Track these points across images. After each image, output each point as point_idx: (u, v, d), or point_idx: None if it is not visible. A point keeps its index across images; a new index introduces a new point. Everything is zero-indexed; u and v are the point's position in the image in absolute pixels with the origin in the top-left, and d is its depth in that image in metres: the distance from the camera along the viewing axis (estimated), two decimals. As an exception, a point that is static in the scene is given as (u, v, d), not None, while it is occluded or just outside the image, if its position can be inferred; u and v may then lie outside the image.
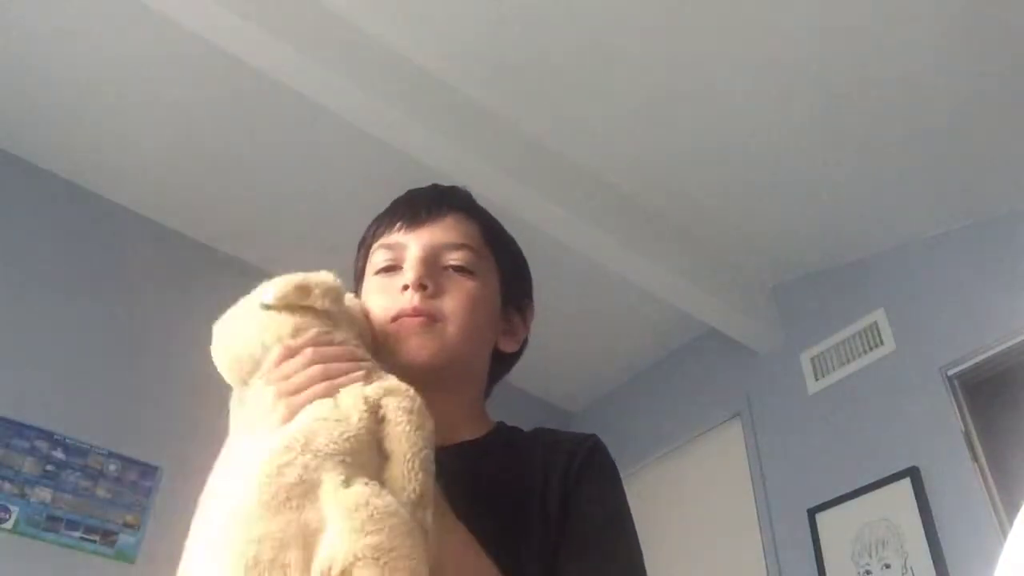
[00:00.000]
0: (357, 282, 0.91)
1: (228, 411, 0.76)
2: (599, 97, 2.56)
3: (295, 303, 0.72)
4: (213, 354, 0.75)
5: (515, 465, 0.81)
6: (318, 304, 0.73)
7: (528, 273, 0.96)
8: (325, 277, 0.75)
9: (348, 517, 0.52)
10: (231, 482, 0.62)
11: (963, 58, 2.23)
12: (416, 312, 0.79)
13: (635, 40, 2.37)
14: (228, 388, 0.76)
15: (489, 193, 2.47)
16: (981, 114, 2.35)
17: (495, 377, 0.91)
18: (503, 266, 0.90)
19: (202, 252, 3.12)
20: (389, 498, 0.55)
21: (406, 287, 0.81)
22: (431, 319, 0.79)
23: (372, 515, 0.53)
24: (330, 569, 0.50)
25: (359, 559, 0.50)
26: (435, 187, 0.92)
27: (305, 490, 0.55)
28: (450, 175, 2.39)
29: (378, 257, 0.86)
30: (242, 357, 0.72)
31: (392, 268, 0.84)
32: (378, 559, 0.51)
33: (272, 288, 0.72)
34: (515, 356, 0.93)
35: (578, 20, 2.33)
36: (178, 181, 2.94)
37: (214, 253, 3.14)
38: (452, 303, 0.81)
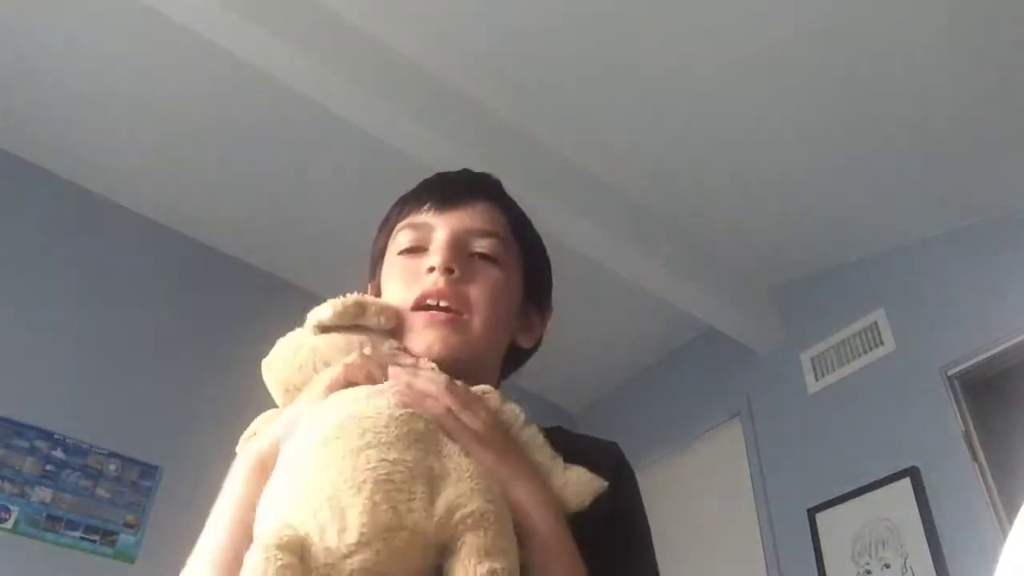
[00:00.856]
0: (375, 264, 0.89)
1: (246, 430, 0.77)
2: (599, 97, 2.56)
3: (351, 322, 0.74)
4: (265, 374, 0.77)
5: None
6: (373, 323, 0.75)
7: (550, 271, 0.94)
8: (379, 299, 0.79)
9: (473, 479, 0.60)
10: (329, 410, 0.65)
11: (962, 58, 2.22)
12: (441, 295, 0.77)
13: (636, 42, 2.37)
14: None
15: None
16: (980, 114, 2.35)
17: (506, 373, 0.90)
18: (528, 260, 0.88)
19: (202, 252, 3.12)
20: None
21: (432, 269, 0.79)
22: (457, 314, 0.78)
23: (489, 487, 0.60)
24: (458, 509, 0.57)
25: (483, 514, 0.57)
26: (467, 171, 0.90)
27: (430, 442, 0.62)
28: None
29: (403, 237, 0.83)
30: (295, 374, 0.75)
31: (417, 249, 0.82)
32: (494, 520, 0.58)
33: (328, 307, 0.74)
34: (529, 353, 0.91)
35: (580, 21, 2.33)
36: (177, 180, 2.94)
37: (214, 253, 3.14)
38: (477, 292, 0.79)
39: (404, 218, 0.85)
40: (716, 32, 2.30)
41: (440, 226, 0.82)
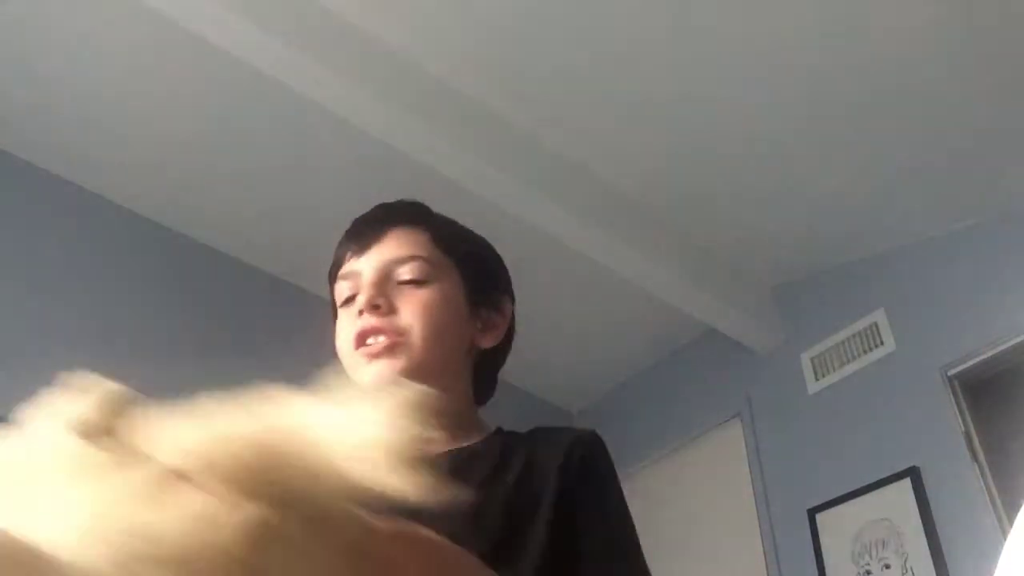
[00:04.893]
0: (335, 318, 0.92)
1: None
2: (600, 98, 2.56)
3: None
4: None
5: (509, 468, 0.78)
6: None
7: (495, 265, 0.95)
8: None
9: None
10: None
11: (962, 59, 2.23)
12: (375, 330, 0.81)
13: (637, 43, 2.36)
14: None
15: (490, 194, 2.49)
16: (981, 114, 2.35)
17: (484, 377, 0.90)
18: (462, 266, 0.89)
19: (201, 251, 3.12)
20: None
21: (361, 312, 0.83)
22: (394, 338, 0.81)
23: None
24: None
25: None
26: (379, 207, 0.93)
27: None
28: (452, 178, 2.40)
29: (339, 290, 0.89)
30: None
31: (352, 298, 0.86)
32: None
33: None
34: (502, 351, 0.92)
35: (582, 22, 2.33)
36: (177, 180, 2.93)
37: (213, 253, 3.14)
38: (408, 315, 0.82)
39: (337, 270, 0.90)
40: (716, 30, 2.30)
41: (364, 268, 0.86)
